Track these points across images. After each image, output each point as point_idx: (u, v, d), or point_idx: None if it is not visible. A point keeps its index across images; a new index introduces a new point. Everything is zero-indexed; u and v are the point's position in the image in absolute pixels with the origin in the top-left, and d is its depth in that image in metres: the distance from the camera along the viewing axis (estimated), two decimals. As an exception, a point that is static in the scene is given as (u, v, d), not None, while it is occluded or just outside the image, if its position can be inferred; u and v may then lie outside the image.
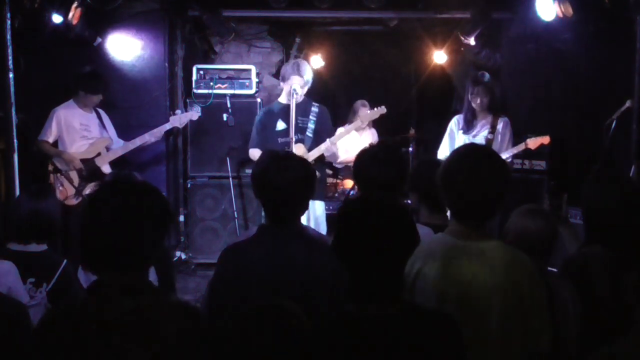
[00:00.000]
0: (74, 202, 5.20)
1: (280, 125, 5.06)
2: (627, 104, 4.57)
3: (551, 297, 2.33)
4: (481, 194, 2.12)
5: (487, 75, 5.38)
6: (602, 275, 2.61)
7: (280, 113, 5.08)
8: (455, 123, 5.45)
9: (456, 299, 2.08)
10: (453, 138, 5.42)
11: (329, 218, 5.15)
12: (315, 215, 4.93)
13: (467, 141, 5.21)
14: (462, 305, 2.07)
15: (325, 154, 5.05)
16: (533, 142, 5.13)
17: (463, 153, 2.25)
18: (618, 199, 2.69)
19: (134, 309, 1.77)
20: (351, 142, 6.20)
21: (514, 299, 2.07)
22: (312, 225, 4.67)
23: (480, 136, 5.30)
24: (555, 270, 2.87)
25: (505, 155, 5.17)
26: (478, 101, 5.26)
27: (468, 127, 5.34)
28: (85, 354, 1.74)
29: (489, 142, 5.25)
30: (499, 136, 5.31)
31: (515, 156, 5.38)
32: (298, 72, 5.02)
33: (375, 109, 5.39)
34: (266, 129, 5.12)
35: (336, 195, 6.57)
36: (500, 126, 5.30)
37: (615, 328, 2.49)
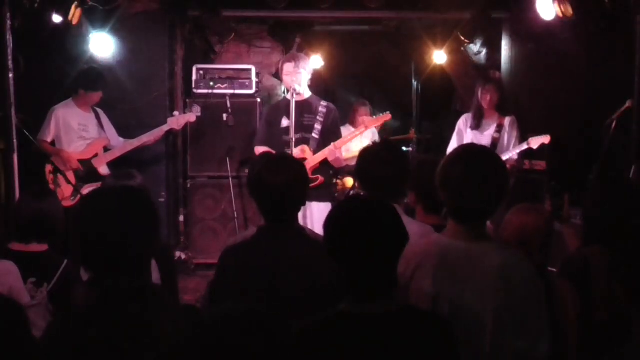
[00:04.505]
0: (71, 202, 5.19)
1: (285, 122, 4.92)
2: (627, 104, 4.58)
3: (551, 297, 2.33)
4: (478, 194, 2.10)
5: (498, 74, 5.39)
6: (602, 275, 2.61)
7: (285, 109, 4.92)
8: (463, 121, 5.49)
9: (449, 302, 2.07)
10: (461, 136, 5.46)
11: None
12: (320, 217, 4.66)
13: (475, 139, 5.24)
14: (454, 308, 2.05)
15: (330, 159, 4.85)
16: (535, 142, 5.16)
17: (461, 152, 2.23)
18: (618, 200, 2.70)
19: (138, 313, 1.78)
20: (352, 141, 6.14)
21: (508, 302, 2.01)
22: (315, 227, 4.55)
23: (487, 134, 5.33)
24: (555, 270, 2.88)
25: (508, 155, 5.18)
26: (488, 98, 5.29)
27: (476, 125, 5.37)
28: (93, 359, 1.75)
29: (494, 140, 5.28)
30: (506, 135, 5.35)
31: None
32: (290, 59, 4.93)
33: (381, 114, 5.26)
34: (272, 126, 5.04)
35: (336, 195, 6.56)
36: (507, 124, 5.34)
37: (614, 329, 2.51)
